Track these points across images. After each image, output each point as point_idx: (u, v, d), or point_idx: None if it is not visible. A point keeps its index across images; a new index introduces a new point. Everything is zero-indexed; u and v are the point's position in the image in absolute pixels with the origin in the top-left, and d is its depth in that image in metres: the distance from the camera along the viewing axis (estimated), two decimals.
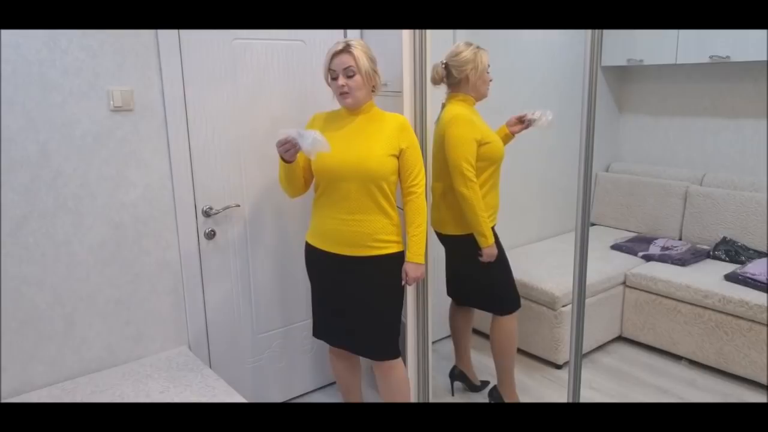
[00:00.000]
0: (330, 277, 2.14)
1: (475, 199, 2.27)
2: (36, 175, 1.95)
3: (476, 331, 3.46)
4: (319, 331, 2.28)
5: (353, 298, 2.11)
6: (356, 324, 2.14)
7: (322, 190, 2.09)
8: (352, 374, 2.41)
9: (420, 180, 2.08)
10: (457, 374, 2.80)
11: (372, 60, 2.01)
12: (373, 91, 2.06)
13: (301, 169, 2.10)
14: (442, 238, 2.51)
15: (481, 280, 2.49)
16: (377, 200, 2.02)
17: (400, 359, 2.20)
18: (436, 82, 2.39)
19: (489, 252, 2.35)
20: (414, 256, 2.09)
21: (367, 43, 2.03)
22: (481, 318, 3.22)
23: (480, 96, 2.41)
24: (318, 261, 2.16)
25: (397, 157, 2.04)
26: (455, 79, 2.37)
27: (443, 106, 2.43)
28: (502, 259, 2.47)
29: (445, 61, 2.38)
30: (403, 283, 2.13)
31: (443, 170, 2.35)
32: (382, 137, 2.02)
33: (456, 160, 2.27)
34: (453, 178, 2.29)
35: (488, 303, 2.55)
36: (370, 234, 2.04)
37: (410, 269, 2.10)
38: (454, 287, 2.67)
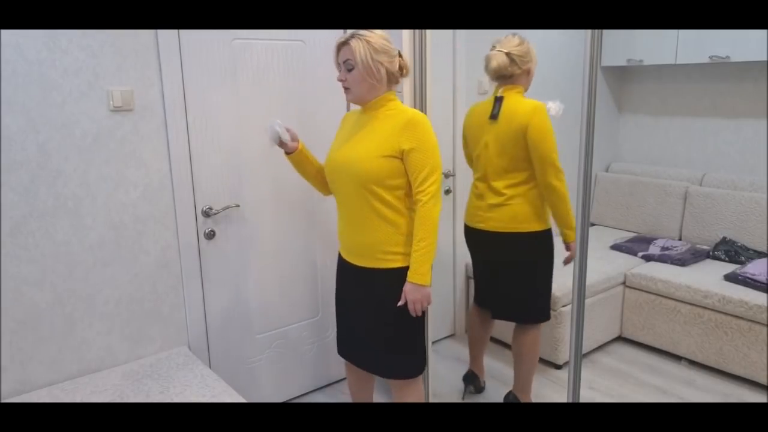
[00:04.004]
0: (346, 287, 2.05)
1: (565, 191, 2.21)
2: (36, 175, 1.95)
3: None
4: (338, 346, 2.15)
5: (363, 312, 1.99)
6: (365, 338, 2.03)
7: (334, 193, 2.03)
8: (364, 388, 2.25)
9: (428, 186, 1.82)
10: (472, 378, 2.76)
11: (377, 51, 1.82)
12: (394, 82, 1.91)
13: (310, 163, 2.08)
14: (502, 236, 2.35)
15: (525, 284, 2.40)
16: (374, 207, 1.86)
17: (417, 379, 2.03)
18: (499, 72, 2.28)
19: (574, 247, 2.21)
20: (413, 274, 1.83)
21: (381, 33, 1.87)
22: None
23: (526, 90, 2.36)
24: (340, 269, 2.08)
25: (400, 159, 1.84)
26: (517, 70, 2.27)
27: (499, 97, 2.31)
28: (550, 263, 2.41)
29: (506, 51, 2.26)
30: (399, 303, 1.88)
31: (514, 164, 2.27)
32: (379, 136, 1.84)
33: (547, 151, 2.18)
34: (543, 171, 2.20)
35: (524, 310, 2.43)
36: (373, 244, 1.88)
37: (408, 291, 1.85)
38: (487, 294, 2.54)
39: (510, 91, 2.31)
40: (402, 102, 2.07)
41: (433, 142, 1.84)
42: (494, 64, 2.27)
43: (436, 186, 1.83)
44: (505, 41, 2.30)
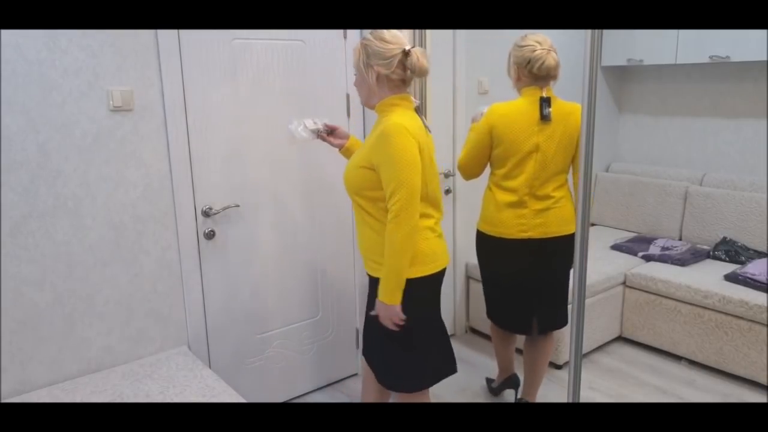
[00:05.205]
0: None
1: None
2: (36, 175, 1.95)
3: (477, 332, 3.46)
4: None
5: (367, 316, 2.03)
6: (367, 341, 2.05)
7: None
8: (374, 390, 2.18)
9: (392, 204, 1.72)
10: (517, 380, 2.72)
11: (369, 55, 1.79)
12: (395, 86, 1.82)
13: None
14: (548, 242, 2.29)
15: (563, 288, 2.39)
16: (362, 215, 1.88)
17: (418, 394, 1.97)
18: (555, 71, 2.23)
19: None
20: (380, 290, 1.80)
21: (388, 35, 1.79)
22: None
23: None
24: None
25: (375, 171, 1.78)
26: (558, 70, 2.25)
27: (546, 98, 2.23)
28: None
29: (553, 50, 2.21)
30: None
31: (564, 165, 2.26)
32: (365, 146, 1.84)
33: None
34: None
35: (557, 316, 2.40)
36: (365, 249, 1.91)
37: (376, 304, 1.84)
38: (525, 308, 2.40)
39: (551, 92, 2.26)
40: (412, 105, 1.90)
41: (400, 157, 1.69)
42: (552, 62, 2.20)
43: (399, 205, 1.70)
44: (543, 40, 2.22)
